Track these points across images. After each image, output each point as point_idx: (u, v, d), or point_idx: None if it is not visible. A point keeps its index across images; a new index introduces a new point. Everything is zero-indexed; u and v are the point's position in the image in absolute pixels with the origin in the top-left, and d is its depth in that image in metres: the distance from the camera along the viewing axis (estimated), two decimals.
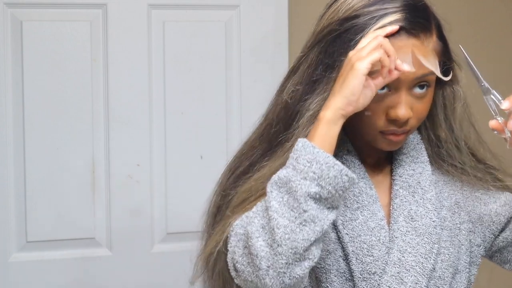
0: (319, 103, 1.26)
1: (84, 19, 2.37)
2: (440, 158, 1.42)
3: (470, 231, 1.42)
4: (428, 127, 1.41)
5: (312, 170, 1.18)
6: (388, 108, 1.28)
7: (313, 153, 1.19)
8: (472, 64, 1.28)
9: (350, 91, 1.20)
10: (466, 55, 1.29)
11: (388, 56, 1.21)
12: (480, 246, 1.43)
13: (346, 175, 1.19)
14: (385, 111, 1.29)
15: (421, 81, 1.29)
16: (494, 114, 1.26)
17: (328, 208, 1.20)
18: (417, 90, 1.29)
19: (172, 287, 2.47)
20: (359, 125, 1.30)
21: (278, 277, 1.18)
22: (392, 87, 1.27)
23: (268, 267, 1.18)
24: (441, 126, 1.39)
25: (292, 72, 1.35)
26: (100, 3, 2.38)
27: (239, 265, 1.22)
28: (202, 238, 1.47)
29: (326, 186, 1.18)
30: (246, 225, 1.22)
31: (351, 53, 1.23)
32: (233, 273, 1.25)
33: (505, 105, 1.24)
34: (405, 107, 1.27)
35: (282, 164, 1.25)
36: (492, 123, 1.25)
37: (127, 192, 2.41)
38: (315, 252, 1.20)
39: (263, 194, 1.25)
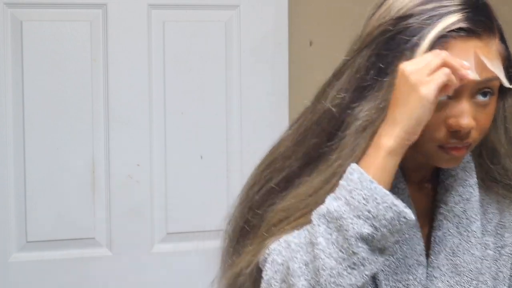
0: (369, 111, 1.13)
1: (84, 19, 2.37)
2: (493, 178, 1.27)
3: None
4: (483, 141, 1.22)
5: (368, 209, 1.06)
6: (449, 118, 1.13)
7: (370, 189, 1.06)
8: None
9: (416, 121, 1.07)
10: None
11: (453, 71, 1.08)
12: None
13: (405, 217, 1.06)
14: (445, 122, 1.13)
15: (484, 88, 1.13)
16: None
17: (380, 249, 1.08)
18: (480, 98, 1.13)
19: (172, 287, 2.47)
20: (415, 140, 1.13)
21: None
22: (453, 94, 1.12)
23: None
24: (500, 141, 1.23)
25: (335, 77, 1.21)
26: (100, 3, 2.38)
27: None
28: (225, 254, 1.33)
29: (381, 228, 1.06)
30: (288, 259, 1.11)
31: (408, 69, 1.08)
32: None
33: None
34: (468, 116, 1.12)
35: (325, 181, 1.14)
36: None
37: (127, 192, 2.41)
38: None
39: (304, 214, 1.15)
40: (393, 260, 1.20)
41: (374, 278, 1.19)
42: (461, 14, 1.12)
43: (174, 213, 2.45)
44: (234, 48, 2.47)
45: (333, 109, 1.17)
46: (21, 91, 2.32)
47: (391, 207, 1.06)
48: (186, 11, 2.44)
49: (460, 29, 1.11)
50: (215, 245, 2.44)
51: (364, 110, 1.13)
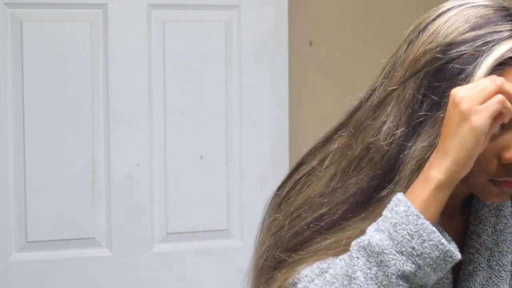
0: (424, 149, 1.04)
1: (84, 19, 2.36)
2: None
3: None
4: None
5: (412, 246, 0.99)
6: (502, 150, 1.04)
7: (416, 225, 0.99)
8: None
9: (468, 153, 0.99)
10: None
11: (510, 99, 1.00)
12: None
13: (451, 256, 1.00)
14: (497, 154, 1.05)
15: None
16: None
17: (420, 286, 1.02)
18: None
19: (172, 287, 2.47)
20: None
21: None
22: (506, 124, 1.04)
23: None
24: None
25: (378, 109, 1.11)
26: (100, 3, 2.37)
27: None
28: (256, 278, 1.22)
29: (425, 267, 0.99)
30: (321, 286, 1.05)
31: (459, 95, 1.00)
32: None
33: None
34: None
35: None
36: None
37: (127, 192, 2.41)
38: None
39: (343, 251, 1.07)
40: None
41: None
42: None
43: (174, 213, 2.45)
44: (234, 48, 2.47)
45: (385, 147, 1.07)
46: (21, 91, 2.32)
47: (437, 246, 0.99)
48: (186, 11, 2.44)
49: None
50: (215, 245, 2.45)
51: (418, 149, 1.05)
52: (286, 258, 1.13)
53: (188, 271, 2.47)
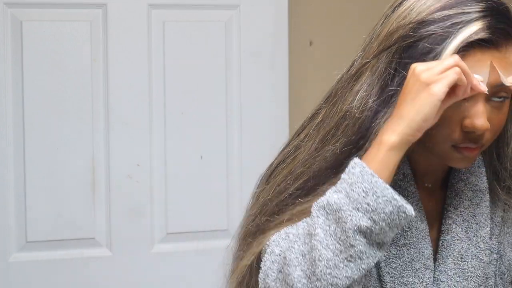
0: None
1: (84, 19, 2.37)
2: (502, 180, 1.26)
3: None
4: (494, 144, 1.23)
5: (367, 202, 1.05)
6: (464, 119, 1.12)
7: (370, 182, 1.06)
8: None
9: (423, 117, 1.06)
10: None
11: (465, 74, 1.07)
12: None
13: (404, 212, 1.06)
14: (460, 122, 1.13)
15: (499, 91, 1.13)
16: None
17: (378, 244, 1.07)
18: (495, 100, 1.13)
19: (172, 287, 2.47)
20: (428, 138, 1.13)
21: None
22: (469, 95, 1.12)
23: None
24: (508, 144, 1.23)
25: (353, 79, 1.19)
26: (100, 3, 2.38)
27: None
28: (235, 259, 1.30)
29: (380, 222, 1.05)
30: (285, 247, 1.11)
31: (419, 68, 1.08)
32: None
33: None
34: (483, 117, 1.11)
35: None
36: None
37: (127, 192, 2.41)
38: None
39: None
40: (400, 263, 1.19)
41: (380, 281, 1.19)
42: (483, 22, 1.11)
43: (174, 213, 2.45)
44: (234, 48, 2.47)
45: (357, 114, 1.15)
46: (21, 91, 2.32)
47: (390, 201, 1.05)
48: (186, 11, 2.44)
49: (480, 40, 1.10)
50: (215, 245, 2.44)
51: (387, 118, 1.12)
52: (266, 224, 1.20)
53: (188, 271, 2.47)
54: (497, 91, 1.13)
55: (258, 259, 1.18)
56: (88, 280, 2.41)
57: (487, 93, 1.10)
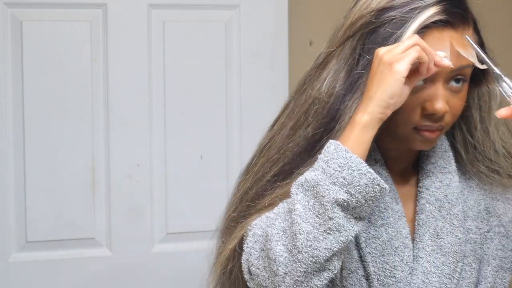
0: (359, 101, 1.19)
1: (84, 19, 2.37)
2: (476, 161, 1.33)
3: (502, 236, 1.34)
4: (463, 129, 1.32)
5: (343, 176, 1.11)
6: (424, 102, 1.20)
7: (345, 158, 1.12)
8: (481, 52, 1.21)
9: (389, 94, 1.13)
10: (474, 44, 1.21)
11: (426, 52, 1.14)
12: None
13: (378, 184, 1.12)
14: (420, 105, 1.20)
15: (457, 74, 1.21)
16: (508, 99, 1.19)
17: (355, 218, 1.12)
18: (454, 84, 1.21)
19: (172, 287, 2.47)
20: (391, 122, 1.20)
21: (295, 286, 1.11)
22: (428, 79, 1.20)
23: (286, 273, 1.12)
24: (476, 128, 1.31)
25: (320, 68, 1.26)
26: (100, 3, 2.38)
27: (254, 268, 1.16)
28: (218, 249, 1.35)
29: (356, 194, 1.11)
30: (266, 226, 1.16)
31: (382, 51, 1.15)
32: (246, 276, 1.19)
33: None
34: (442, 100, 1.19)
35: None
36: (502, 111, 1.17)
37: (127, 192, 2.41)
38: (336, 264, 1.13)
39: None
40: (380, 242, 1.25)
41: (362, 261, 1.25)
42: (439, 7, 1.19)
43: (174, 213, 2.45)
44: (234, 48, 2.47)
45: (326, 98, 1.22)
46: (21, 91, 2.32)
47: (365, 174, 1.11)
48: (186, 11, 2.44)
49: (437, 20, 1.18)
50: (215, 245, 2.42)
51: (356, 101, 1.18)
52: (248, 209, 1.25)
53: (188, 271, 2.47)
54: (454, 74, 1.20)
55: (241, 243, 1.21)
56: (88, 280, 2.41)
57: (452, 66, 1.17)
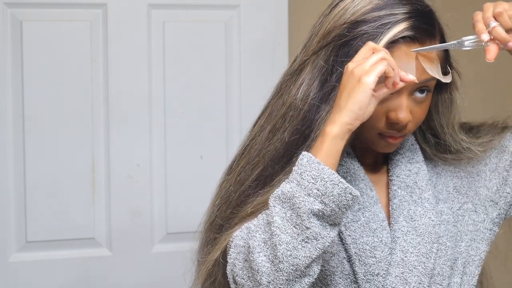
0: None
1: (84, 19, 2.37)
2: (440, 152, 1.41)
3: (471, 211, 1.42)
4: (424, 129, 1.41)
5: (317, 187, 1.17)
6: (389, 111, 1.28)
7: (318, 170, 1.18)
8: (435, 46, 1.27)
9: (358, 106, 1.19)
10: (425, 48, 1.27)
11: (392, 68, 1.21)
12: (484, 221, 1.42)
13: (350, 193, 1.19)
14: (385, 114, 1.28)
15: (422, 86, 1.29)
16: (482, 43, 1.25)
17: (331, 224, 1.20)
18: (418, 95, 1.29)
19: (172, 287, 2.47)
20: (358, 127, 1.26)
21: None
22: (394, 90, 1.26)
23: (269, 282, 1.19)
24: (438, 130, 1.39)
25: (295, 73, 1.33)
26: (100, 3, 2.38)
27: (239, 279, 1.23)
28: (200, 254, 1.46)
29: (330, 204, 1.18)
30: (248, 238, 1.22)
31: (351, 66, 1.21)
32: (232, 286, 1.26)
33: (483, 37, 1.24)
34: (406, 111, 1.27)
35: None
36: (491, 54, 1.24)
37: (127, 192, 2.41)
38: (315, 269, 1.21)
39: None
40: (358, 225, 1.33)
41: (343, 244, 1.32)
42: (408, 23, 1.25)
43: (174, 213, 2.45)
44: (234, 48, 2.47)
45: (301, 105, 1.28)
46: (21, 91, 2.32)
47: (337, 184, 1.18)
48: (186, 11, 2.44)
49: (406, 36, 1.25)
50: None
51: (329, 113, 1.24)
52: (231, 217, 1.32)
53: (188, 271, 2.47)
54: (420, 86, 1.28)
55: (224, 253, 1.29)
56: (88, 280, 2.41)
57: (417, 81, 1.24)
